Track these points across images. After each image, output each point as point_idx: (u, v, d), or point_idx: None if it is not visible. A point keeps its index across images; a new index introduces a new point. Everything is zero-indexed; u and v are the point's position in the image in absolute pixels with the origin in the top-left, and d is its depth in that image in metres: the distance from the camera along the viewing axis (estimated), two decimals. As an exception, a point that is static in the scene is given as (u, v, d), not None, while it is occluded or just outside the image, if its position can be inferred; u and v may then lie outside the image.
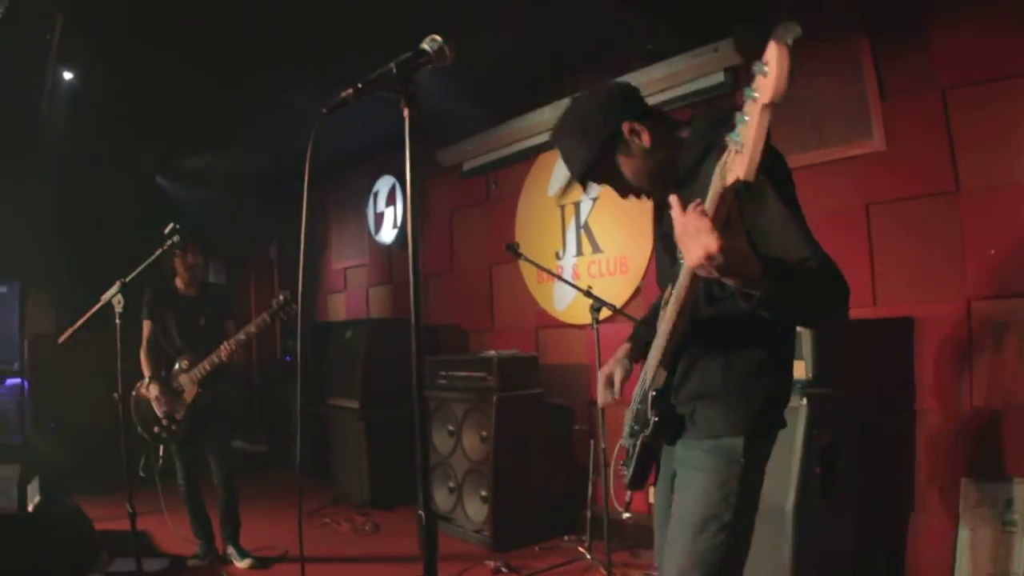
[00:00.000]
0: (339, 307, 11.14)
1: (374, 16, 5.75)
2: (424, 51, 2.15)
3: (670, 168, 2.54)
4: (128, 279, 4.46)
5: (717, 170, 1.83)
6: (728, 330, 2.44)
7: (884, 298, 4.86)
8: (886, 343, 4.77)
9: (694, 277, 2.17)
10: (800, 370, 4.21)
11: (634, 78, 6.00)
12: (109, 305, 4.52)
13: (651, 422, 2.55)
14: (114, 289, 4.39)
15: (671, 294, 2.39)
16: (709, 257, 1.88)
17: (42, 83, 6.24)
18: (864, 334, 4.70)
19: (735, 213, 1.91)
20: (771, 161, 2.21)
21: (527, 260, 5.58)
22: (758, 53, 4.72)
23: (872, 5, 4.86)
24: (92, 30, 5.64)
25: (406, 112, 2.15)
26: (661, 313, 2.53)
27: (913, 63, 4.68)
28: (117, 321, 4.32)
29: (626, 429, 2.81)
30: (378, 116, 7.20)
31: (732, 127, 1.74)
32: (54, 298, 10.42)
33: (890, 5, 4.78)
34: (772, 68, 1.61)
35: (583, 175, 2.63)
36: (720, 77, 5.64)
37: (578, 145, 2.60)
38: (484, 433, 6.38)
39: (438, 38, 2.16)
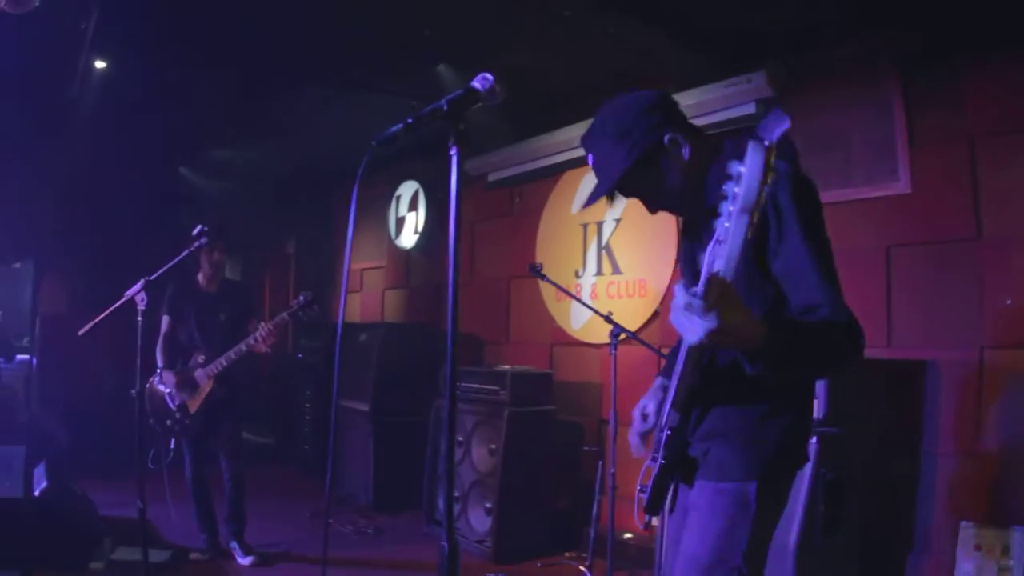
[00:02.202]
0: (354, 307, 11.19)
1: (404, 29, 5.80)
2: (475, 89, 2.15)
3: (701, 189, 2.45)
4: (152, 277, 4.47)
5: (708, 253, 1.84)
6: (744, 374, 2.18)
7: (899, 340, 4.88)
8: (898, 384, 4.79)
9: None
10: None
11: (666, 103, 6.04)
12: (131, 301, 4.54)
13: (659, 465, 2.50)
14: (137, 287, 4.40)
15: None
16: (709, 335, 1.84)
17: (74, 70, 6.29)
18: (877, 374, 4.72)
19: (729, 292, 1.83)
20: (800, 191, 2.23)
21: (549, 281, 5.63)
22: (790, 86, 4.82)
23: (907, 49, 4.88)
24: (126, 22, 5.68)
25: (454, 150, 2.17)
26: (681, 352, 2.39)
27: (943, 109, 4.71)
28: (139, 319, 4.33)
29: (650, 453, 2.69)
30: (406, 117, 7.32)
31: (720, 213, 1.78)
32: (68, 278, 10.49)
33: (925, 51, 4.80)
34: (745, 172, 1.69)
35: (617, 185, 2.49)
36: (752, 108, 5.62)
37: (614, 151, 2.45)
38: (493, 446, 6.41)
39: (489, 76, 2.15)
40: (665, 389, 2.69)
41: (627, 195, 2.56)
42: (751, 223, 1.73)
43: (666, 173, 2.46)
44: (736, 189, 1.71)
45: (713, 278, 1.79)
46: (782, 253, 2.21)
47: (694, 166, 2.45)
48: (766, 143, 1.69)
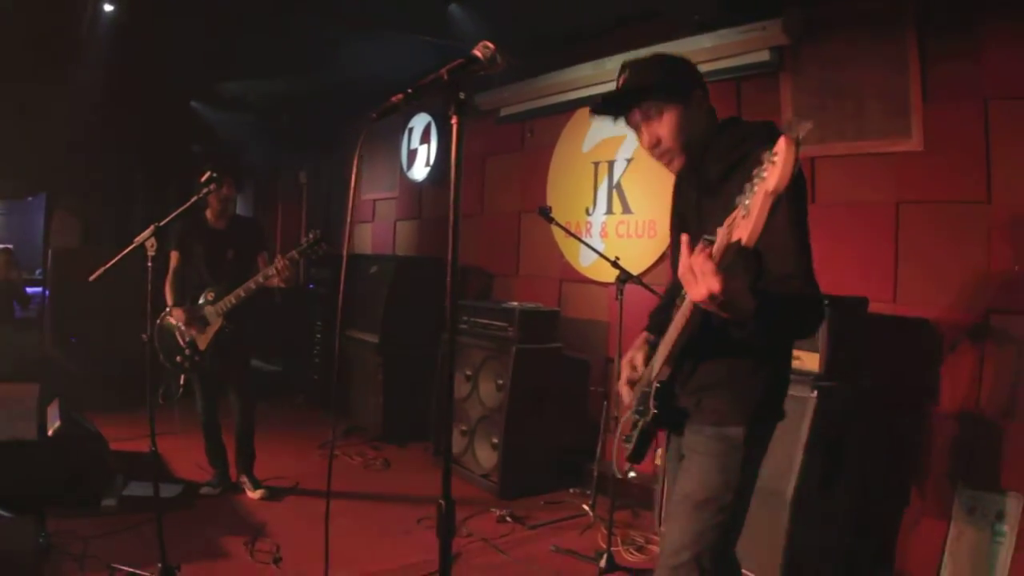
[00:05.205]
0: (366, 238, 11.20)
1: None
2: (476, 58, 2.19)
3: (699, 150, 2.69)
4: (162, 224, 4.43)
5: (726, 224, 1.99)
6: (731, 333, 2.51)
7: (904, 296, 4.87)
8: (901, 341, 4.80)
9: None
10: (813, 362, 4.31)
11: (680, 46, 5.98)
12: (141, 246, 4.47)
13: (651, 413, 2.73)
14: (147, 232, 4.34)
15: (682, 299, 2.48)
16: (712, 296, 2.05)
17: (83, 14, 6.23)
18: (881, 329, 4.75)
19: (737, 261, 2.05)
20: (797, 181, 2.26)
21: (558, 225, 5.64)
22: (805, 36, 4.78)
23: (925, 4, 4.79)
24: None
25: (455, 120, 2.22)
26: (674, 311, 2.60)
27: (959, 68, 4.63)
28: (149, 264, 4.29)
29: (633, 405, 2.96)
30: (418, 53, 7.25)
31: (750, 180, 1.92)
32: (80, 211, 10.52)
33: (942, 5, 4.71)
34: (779, 159, 1.80)
35: (641, 94, 2.70)
36: (766, 55, 5.57)
37: (655, 76, 2.70)
38: (500, 382, 6.50)
39: (491, 45, 2.19)
40: (651, 344, 3.00)
41: (638, 120, 2.75)
42: (775, 203, 1.87)
43: (681, 117, 2.67)
44: (766, 173, 1.84)
45: (732, 246, 1.97)
46: (771, 227, 2.24)
47: (699, 131, 2.70)
48: (796, 137, 1.82)
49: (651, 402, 2.73)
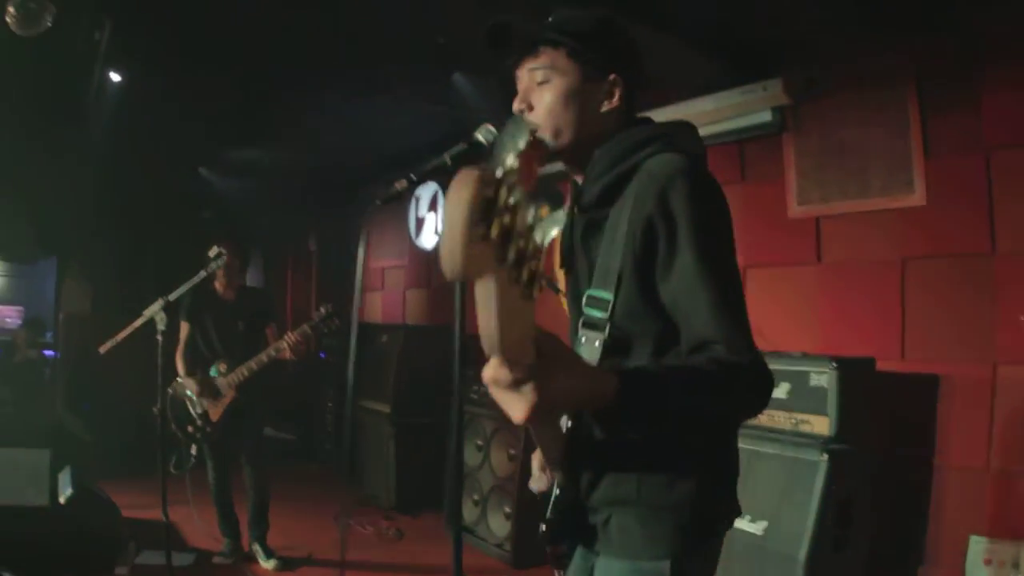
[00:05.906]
0: (376, 306, 11.17)
1: (419, 37, 5.79)
2: (479, 143, 2.11)
3: (577, 153, 2.02)
4: (171, 297, 4.45)
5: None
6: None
7: (913, 353, 4.85)
8: (910, 398, 4.77)
9: None
10: (823, 426, 4.26)
11: (682, 108, 6.02)
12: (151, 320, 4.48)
13: (540, 527, 2.05)
14: (156, 306, 4.36)
15: None
16: (532, 414, 1.35)
17: (89, 82, 6.32)
18: (889, 388, 4.72)
19: (549, 344, 1.37)
20: (699, 194, 1.82)
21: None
22: (806, 95, 4.75)
23: (924, 58, 4.83)
24: (139, 33, 5.69)
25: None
26: None
27: (960, 121, 4.65)
28: (159, 338, 4.31)
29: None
30: (423, 122, 7.31)
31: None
32: (91, 277, 10.59)
33: (942, 60, 4.74)
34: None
35: (538, 40, 2.00)
36: (768, 116, 5.59)
37: (571, 26, 2.00)
38: (512, 451, 6.45)
39: (493, 129, 2.12)
40: None
41: (522, 82, 2.06)
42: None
43: (567, 97, 1.98)
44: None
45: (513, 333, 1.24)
46: (672, 273, 1.78)
47: (589, 126, 2.01)
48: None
49: (548, 513, 2.05)
